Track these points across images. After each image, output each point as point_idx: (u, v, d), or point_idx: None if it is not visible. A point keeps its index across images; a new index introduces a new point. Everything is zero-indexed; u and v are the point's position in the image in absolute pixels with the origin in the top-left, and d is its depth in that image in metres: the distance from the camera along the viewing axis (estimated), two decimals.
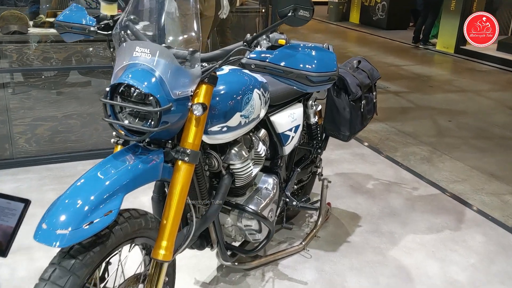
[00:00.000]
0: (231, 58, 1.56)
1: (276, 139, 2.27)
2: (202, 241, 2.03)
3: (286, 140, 2.30)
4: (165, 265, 1.60)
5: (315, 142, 2.68)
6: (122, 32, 1.60)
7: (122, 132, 1.57)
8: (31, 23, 3.67)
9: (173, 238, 1.60)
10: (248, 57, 1.51)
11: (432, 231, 2.93)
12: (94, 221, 1.32)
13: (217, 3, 4.36)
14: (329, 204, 3.02)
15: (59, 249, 1.36)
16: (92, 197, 1.35)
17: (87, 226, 1.31)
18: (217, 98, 1.74)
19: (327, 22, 13.25)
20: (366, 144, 4.30)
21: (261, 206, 2.05)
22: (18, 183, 3.30)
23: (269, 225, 2.08)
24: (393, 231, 2.90)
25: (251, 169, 1.98)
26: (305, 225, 2.92)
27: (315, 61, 1.48)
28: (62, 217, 1.31)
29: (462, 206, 3.26)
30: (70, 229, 1.28)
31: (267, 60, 1.49)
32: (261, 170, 2.31)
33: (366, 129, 4.76)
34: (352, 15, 13.10)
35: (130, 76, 1.47)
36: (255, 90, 1.90)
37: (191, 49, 1.57)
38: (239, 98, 1.79)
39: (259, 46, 1.58)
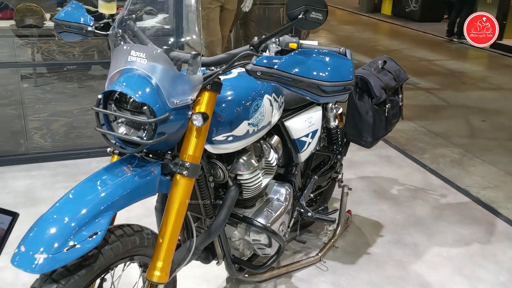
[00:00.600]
0: (235, 64, 1.41)
1: (291, 146, 2.11)
2: (207, 254, 1.91)
3: (302, 147, 2.15)
4: (160, 287, 1.48)
5: (334, 147, 2.52)
6: (120, 31, 1.47)
7: (116, 143, 1.44)
8: (48, 15, 3.59)
9: (170, 258, 1.47)
10: (254, 63, 1.36)
11: (460, 244, 2.73)
12: (77, 244, 1.20)
13: None
14: (349, 212, 2.85)
15: None
16: (76, 217, 1.23)
17: (69, 250, 1.19)
18: (223, 105, 1.59)
19: (357, 13, 12.91)
20: (392, 144, 4.09)
21: (271, 220, 1.90)
22: (31, 179, 3.24)
23: (279, 240, 1.93)
24: (417, 243, 2.72)
25: (261, 180, 1.83)
26: (323, 234, 2.76)
27: (329, 69, 1.32)
28: (42, 240, 1.19)
29: (493, 216, 3.04)
30: (50, 253, 1.17)
31: (275, 67, 1.34)
32: (274, 178, 2.16)
33: (394, 128, 4.57)
34: (384, 6, 12.71)
35: (124, 83, 1.34)
36: (266, 95, 1.75)
37: (193, 52, 1.43)
38: (247, 105, 1.64)
39: (267, 51, 1.43)
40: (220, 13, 4.13)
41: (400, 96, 2.50)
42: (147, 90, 1.33)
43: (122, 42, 1.44)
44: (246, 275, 2.27)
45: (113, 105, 1.41)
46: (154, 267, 1.45)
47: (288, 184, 2.13)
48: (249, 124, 1.65)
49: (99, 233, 1.24)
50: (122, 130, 1.41)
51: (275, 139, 1.98)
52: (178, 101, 1.38)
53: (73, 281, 1.25)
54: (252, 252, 2.04)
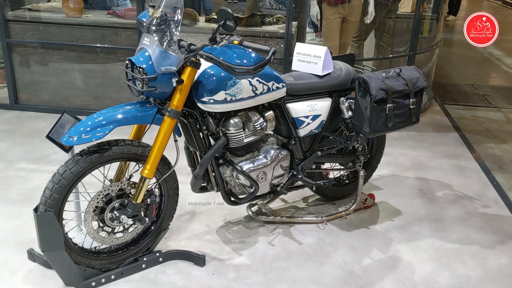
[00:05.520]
0: (199, 52, 2.29)
1: (290, 122, 2.84)
2: (212, 185, 2.80)
3: (300, 124, 2.84)
4: (147, 181, 2.44)
5: (346, 135, 3.11)
6: (144, 26, 2.45)
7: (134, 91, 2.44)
8: (203, 18, 4.84)
9: (155, 165, 2.41)
10: (203, 50, 2.23)
11: (458, 241, 2.98)
12: (88, 136, 2.25)
13: (364, 9, 4.85)
14: (371, 195, 3.35)
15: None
16: (93, 123, 2.28)
17: (84, 137, 2.24)
18: (209, 78, 2.44)
19: None
20: (480, 160, 4.18)
21: (250, 168, 2.67)
22: None
23: (254, 184, 2.70)
24: (419, 232, 3.07)
25: (243, 137, 2.63)
26: (343, 207, 3.32)
27: (238, 57, 2.13)
28: (74, 131, 2.28)
29: None
30: (74, 136, 2.25)
31: (212, 53, 2.20)
32: (282, 146, 2.92)
33: (509, 148, 4.54)
34: None
35: (136, 56, 2.35)
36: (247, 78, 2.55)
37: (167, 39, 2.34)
38: (226, 80, 2.46)
39: (218, 44, 2.28)
40: (343, 24, 4.84)
41: (412, 100, 2.93)
42: (145, 59, 2.31)
43: (143, 34, 2.45)
44: (255, 214, 3.09)
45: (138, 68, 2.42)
46: (145, 167, 2.42)
47: (286, 151, 2.86)
48: (226, 93, 2.48)
49: (102, 133, 2.27)
50: (138, 83, 2.42)
51: (269, 113, 2.74)
52: (164, 69, 2.31)
53: (88, 158, 2.32)
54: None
